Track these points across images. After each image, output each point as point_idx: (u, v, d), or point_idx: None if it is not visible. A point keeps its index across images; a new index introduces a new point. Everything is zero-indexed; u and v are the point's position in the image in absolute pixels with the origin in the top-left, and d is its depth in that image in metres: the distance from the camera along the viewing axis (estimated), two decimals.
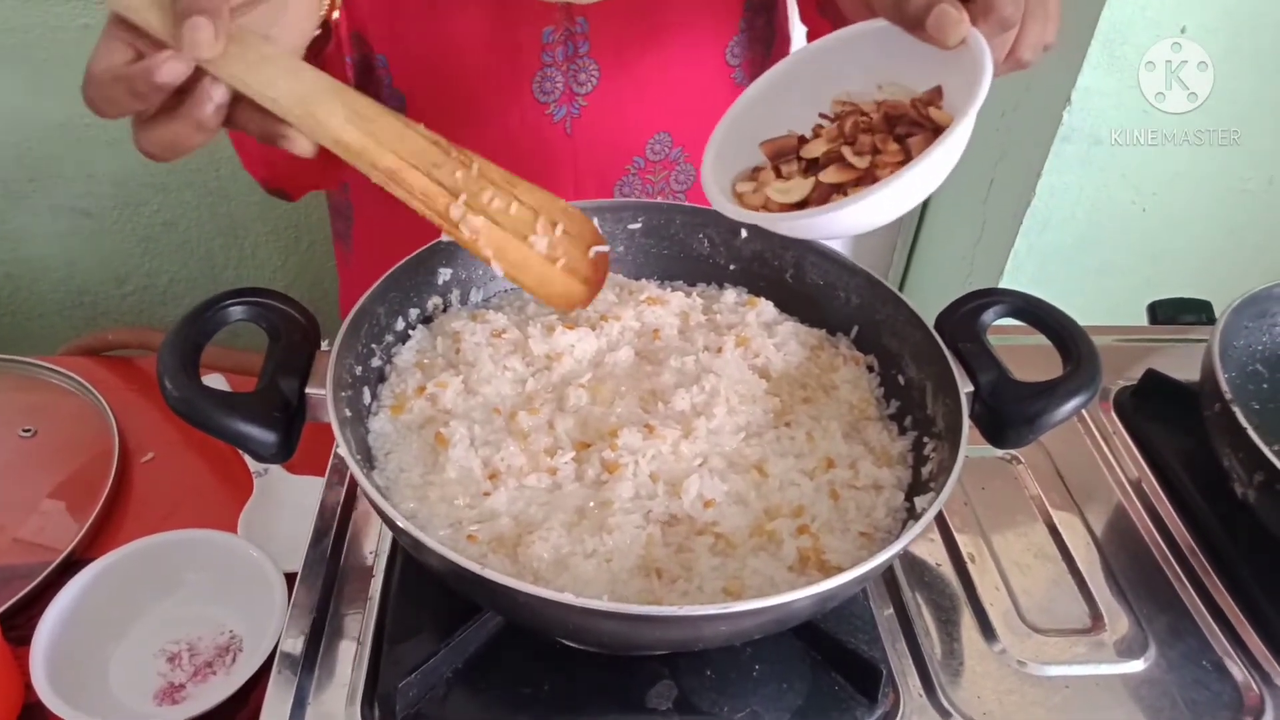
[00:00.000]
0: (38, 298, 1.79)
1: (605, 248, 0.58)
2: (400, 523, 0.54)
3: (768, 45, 0.95)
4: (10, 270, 1.75)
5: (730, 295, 0.82)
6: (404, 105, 0.90)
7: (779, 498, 0.65)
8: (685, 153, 0.94)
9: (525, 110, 0.88)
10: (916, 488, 0.67)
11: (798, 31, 0.99)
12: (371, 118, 0.54)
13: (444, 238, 0.71)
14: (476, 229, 0.52)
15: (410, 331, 0.76)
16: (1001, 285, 1.46)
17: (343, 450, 0.58)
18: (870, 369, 0.77)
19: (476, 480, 0.64)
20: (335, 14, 0.65)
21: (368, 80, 0.89)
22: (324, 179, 0.91)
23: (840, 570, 0.57)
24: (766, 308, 0.80)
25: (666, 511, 0.63)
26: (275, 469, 0.91)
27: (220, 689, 0.69)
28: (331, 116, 0.53)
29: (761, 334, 0.77)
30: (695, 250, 0.84)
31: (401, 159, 0.53)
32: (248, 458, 0.92)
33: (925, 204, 1.94)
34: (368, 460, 0.66)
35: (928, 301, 0.73)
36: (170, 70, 0.49)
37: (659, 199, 0.96)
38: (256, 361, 0.65)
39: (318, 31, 0.62)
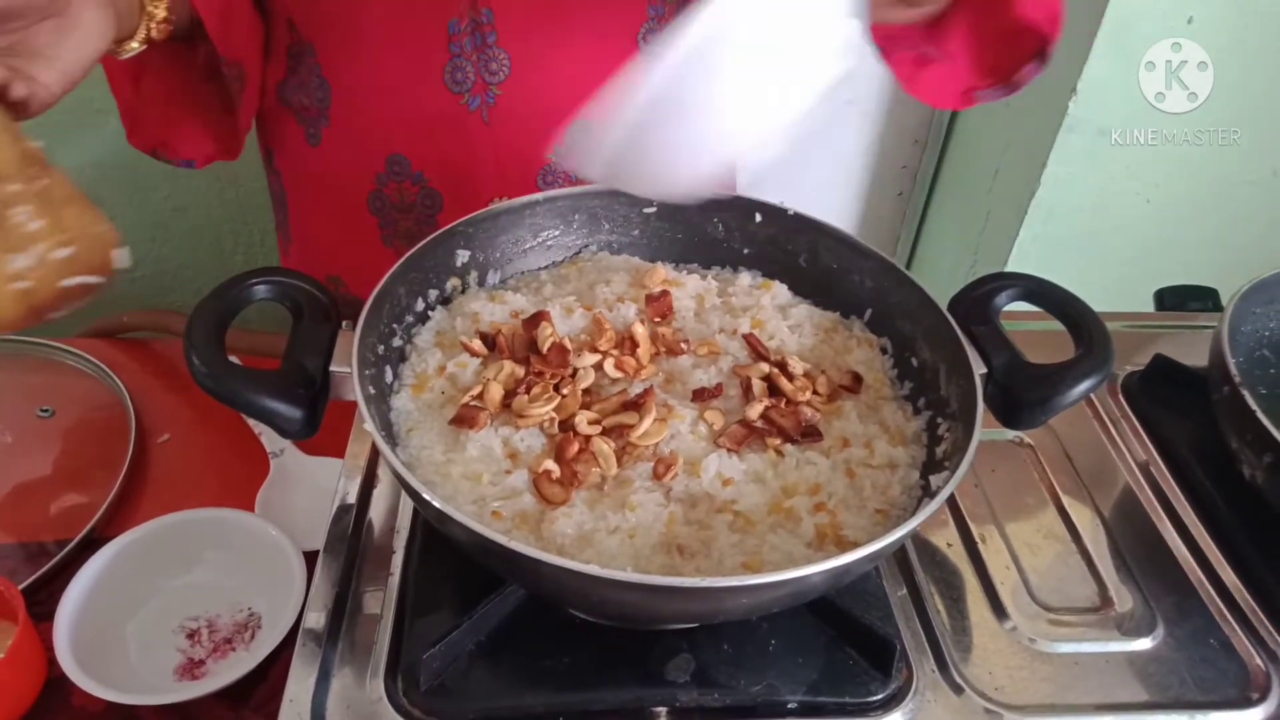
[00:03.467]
0: None
1: (91, 279, 0.57)
2: (426, 495, 0.55)
3: None
4: None
5: (745, 278, 0.82)
6: (328, 95, 0.89)
7: (795, 476, 0.66)
8: None
9: (440, 101, 0.87)
10: (931, 466, 0.68)
11: None
12: None
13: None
14: None
15: (430, 313, 0.77)
16: None
17: (369, 426, 0.59)
18: (884, 351, 0.78)
19: (498, 459, 0.65)
20: (155, 33, 0.70)
21: (300, 67, 0.89)
22: (221, 148, 0.90)
23: (858, 546, 0.58)
24: (781, 291, 0.81)
25: (686, 490, 0.64)
26: (291, 450, 0.92)
27: (241, 665, 0.70)
28: None
29: (776, 317, 0.78)
30: (710, 234, 0.85)
31: None
32: (264, 439, 0.93)
33: (930, 193, 1.94)
34: (390, 437, 0.67)
35: (931, 289, 0.74)
36: None
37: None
38: (270, 343, 0.65)
39: (133, 48, 0.69)
